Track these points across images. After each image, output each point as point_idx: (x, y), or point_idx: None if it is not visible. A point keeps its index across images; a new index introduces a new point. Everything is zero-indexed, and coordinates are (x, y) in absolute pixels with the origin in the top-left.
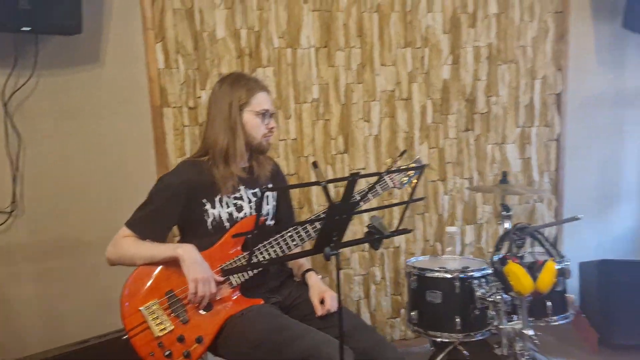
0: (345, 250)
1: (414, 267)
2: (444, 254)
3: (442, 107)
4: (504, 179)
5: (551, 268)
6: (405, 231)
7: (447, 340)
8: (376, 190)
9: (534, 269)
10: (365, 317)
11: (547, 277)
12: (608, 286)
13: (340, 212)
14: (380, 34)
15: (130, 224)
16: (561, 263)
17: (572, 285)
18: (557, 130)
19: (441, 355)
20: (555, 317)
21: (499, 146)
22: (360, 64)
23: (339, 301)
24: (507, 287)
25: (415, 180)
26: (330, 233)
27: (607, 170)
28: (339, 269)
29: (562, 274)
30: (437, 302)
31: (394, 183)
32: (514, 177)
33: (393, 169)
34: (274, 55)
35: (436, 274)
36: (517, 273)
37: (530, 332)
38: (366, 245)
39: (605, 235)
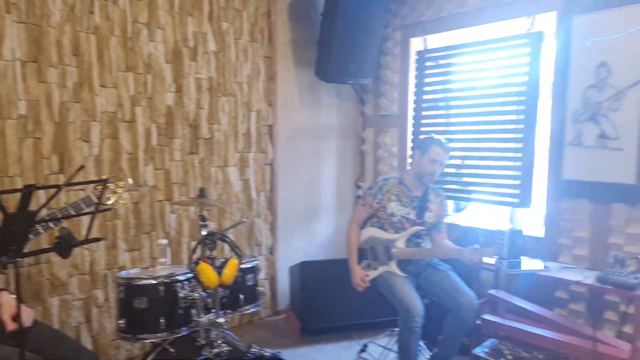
0: (62, 275)
1: (122, 278)
2: (156, 266)
3: (167, 131)
4: (201, 194)
5: (233, 264)
6: (96, 240)
7: (155, 340)
8: (79, 205)
9: (221, 266)
10: (87, 341)
11: (229, 272)
12: (307, 283)
13: (17, 222)
14: (99, 55)
15: None
16: (252, 262)
17: (285, 286)
18: (271, 156)
19: (151, 356)
20: (248, 307)
21: (222, 169)
22: (77, 82)
23: (18, 308)
24: (201, 285)
25: (125, 200)
26: (7, 242)
27: (310, 189)
28: (18, 276)
29: (253, 271)
30: (144, 307)
31: (99, 199)
32: (235, 196)
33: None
34: None
35: (143, 282)
36: (205, 271)
37: (222, 320)
38: (86, 267)
39: (311, 242)
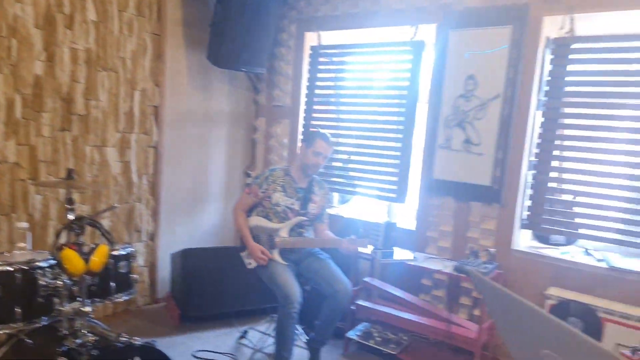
0: None
1: None
2: (14, 251)
3: (34, 103)
4: (69, 175)
5: (103, 251)
6: None
7: (9, 331)
8: None
9: (89, 253)
10: None
11: (97, 259)
12: (189, 270)
13: None
14: None
15: None
16: (126, 249)
17: (166, 274)
18: (155, 138)
19: (3, 348)
20: (119, 295)
21: (99, 148)
22: None
23: None
24: (65, 272)
25: None
26: None
27: (198, 175)
28: None
29: (127, 258)
30: None
31: None
32: (113, 178)
33: None
34: None
35: None
36: (70, 257)
37: (88, 309)
38: None
39: (196, 229)
